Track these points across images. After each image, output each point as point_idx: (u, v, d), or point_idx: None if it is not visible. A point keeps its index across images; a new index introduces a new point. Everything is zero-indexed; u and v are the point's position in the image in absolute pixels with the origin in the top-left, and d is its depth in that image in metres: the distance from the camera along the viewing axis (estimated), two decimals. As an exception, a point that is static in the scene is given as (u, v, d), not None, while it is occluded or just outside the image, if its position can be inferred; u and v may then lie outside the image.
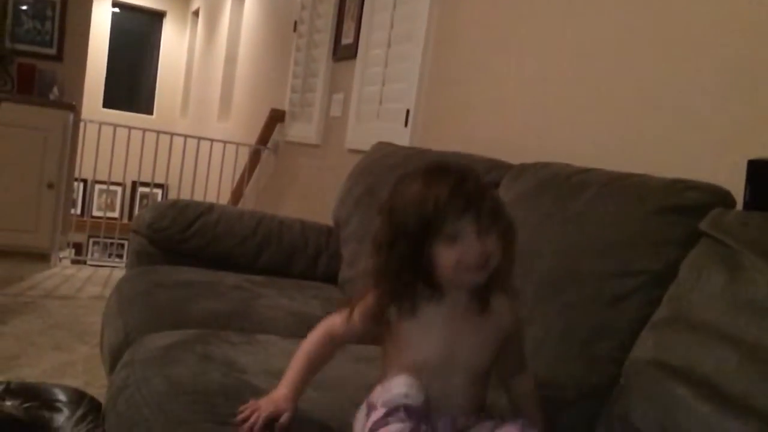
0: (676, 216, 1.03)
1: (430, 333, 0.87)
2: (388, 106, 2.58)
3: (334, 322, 0.92)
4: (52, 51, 3.93)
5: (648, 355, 0.94)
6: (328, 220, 2.15)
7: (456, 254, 0.82)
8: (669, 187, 1.08)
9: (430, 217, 0.81)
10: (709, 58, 1.27)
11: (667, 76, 1.35)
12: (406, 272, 0.84)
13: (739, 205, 1.04)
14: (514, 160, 1.54)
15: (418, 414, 0.76)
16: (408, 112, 2.35)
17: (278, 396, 0.87)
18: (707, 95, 1.26)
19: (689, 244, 0.99)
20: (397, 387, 0.79)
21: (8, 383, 1.35)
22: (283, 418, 0.85)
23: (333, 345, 0.92)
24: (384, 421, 0.75)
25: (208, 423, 0.86)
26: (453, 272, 0.83)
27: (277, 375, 0.99)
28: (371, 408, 0.80)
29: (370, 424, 0.76)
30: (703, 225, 0.98)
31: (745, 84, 1.18)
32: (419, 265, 0.83)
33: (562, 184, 1.24)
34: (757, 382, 0.79)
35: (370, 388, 0.83)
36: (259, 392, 0.94)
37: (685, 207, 1.03)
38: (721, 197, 1.03)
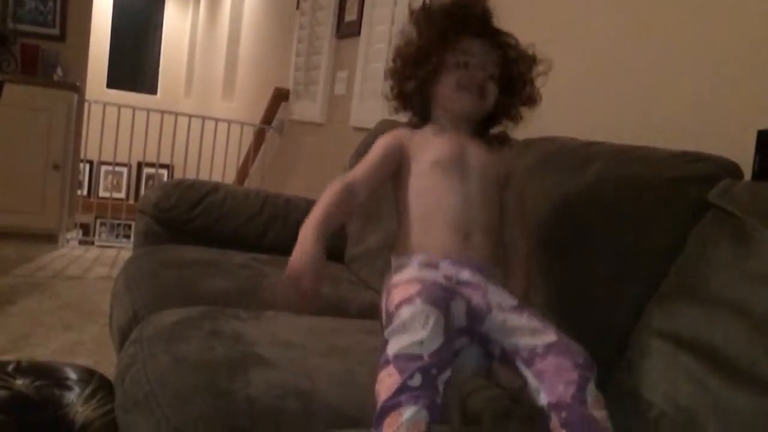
0: (684, 187, 1.02)
1: (441, 137, 1.04)
2: (392, 83, 2.56)
3: (347, 175, 1.01)
4: (55, 31, 3.91)
5: (655, 326, 0.94)
6: (333, 198, 2.14)
7: (458, 75, 0.99)
8: (676, 158, 1.07)
9: (448, 30, 0.98)
10: (718, 29, 1.25)
11: (674, 48, 1.33)
12: (421, 86, 1.02)
13: (747, 177, 1.03)
14: (519, 135, 1.52)
15: (435, 365, 0.75)
16: (413, 88, 2.33)
17: (303, 255, 0.97)
18: (715, 67, 1.24)
19: (696, 216, 0.98)
20: (413, 328, 0.78)
21: (19, 362, 1.36)
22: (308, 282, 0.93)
23: (351, 194, 1.00)
24: (396, 401, 0.73)
25: (206, 395, 0.86)
26: (452, 93, 1.01)
27: (286, 345, 0.99)
28: (390, 313, 0.84)
29: (383, 397, 0.74)
30: (712, 196, 0.97)
31: (755, 55, 1.17)
32: (432, 81, 1.00)
33: (568, 157, 1.23)
34: (765, 354, 0.79)
35: (376, 352, 0.84)
36: (263, 362, 0.95)
37: (693, 178, 1.02)
38: (728, 169, 1.02)
